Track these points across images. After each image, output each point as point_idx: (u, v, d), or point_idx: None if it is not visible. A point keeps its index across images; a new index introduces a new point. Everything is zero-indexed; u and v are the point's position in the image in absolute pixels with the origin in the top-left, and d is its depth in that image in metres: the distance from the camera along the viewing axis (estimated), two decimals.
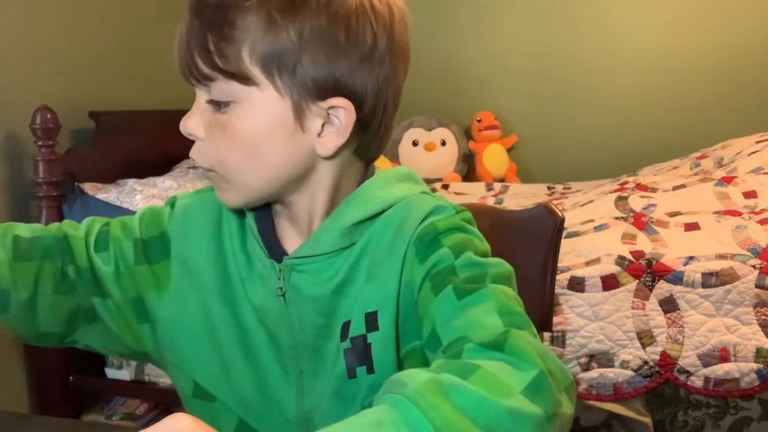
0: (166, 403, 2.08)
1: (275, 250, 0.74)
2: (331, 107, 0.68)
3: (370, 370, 0.69)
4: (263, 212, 0.76)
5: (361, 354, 0.69)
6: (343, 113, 0.68)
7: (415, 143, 3.23)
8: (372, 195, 0.73)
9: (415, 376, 0.48)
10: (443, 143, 3.26)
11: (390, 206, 0.72)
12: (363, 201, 0.72)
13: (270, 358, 0.74)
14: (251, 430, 0.75)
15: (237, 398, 0.75)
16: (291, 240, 0.75)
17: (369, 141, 0.72)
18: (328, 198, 0.73)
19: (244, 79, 0.66)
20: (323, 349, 0.72)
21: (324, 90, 0.67)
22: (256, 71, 0.66)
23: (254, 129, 0.68)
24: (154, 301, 0.77)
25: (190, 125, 0.69)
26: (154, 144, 2.42)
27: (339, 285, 0.71)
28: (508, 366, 0.51)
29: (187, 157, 2.44)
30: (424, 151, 3.21)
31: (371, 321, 0.69)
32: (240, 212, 0.77)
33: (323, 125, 0.69)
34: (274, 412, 0.74)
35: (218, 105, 0.68)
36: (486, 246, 0.70)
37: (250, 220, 0.75)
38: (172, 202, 0.81)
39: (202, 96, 0.69)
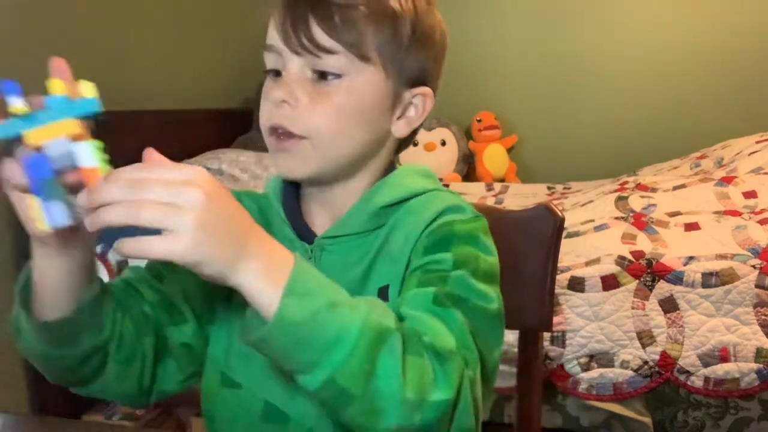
0: (166, 403, 2.08)
1: (304, 233, 0.78)
2: (416, 95, 0.77)
3: None
4: (290, 198, 0.79)
5: None
6: (422, 100, 0.77)
7: (415, 143, 3.21)
8: (401, 182, 0.78)
9: (389, 316, 0.58)
10: (443, 143, 3.26)
11: (415, 195, 0.76)
12: (393, 186, 0.77)
13: None
14: (277, 411, 0.76)
15: (260, 383, 0.77)
16: (319, 224, 0.79)
17: (413, 134, 0.81)
18: (371, 182, 0.78)
19: (363, 56, 0.71)
20: None
21: (416, 79, 0.76)
22: (372, 52, 0.72)
23: (360, 103, 0.73)
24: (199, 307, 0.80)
25: (286, 91, 0.71)
26: (154, 144, 2.39)
27: (366, 270, 0.74)
28: (434, 377, 0.58)
29: (186, 156, 2.46)
30: (424, 151, 3.21)
31: (383, 295, 0.73)
32: (259, 205, 0.81)
33: (404, 109, 0.77)
34: (295, 390, 0.76)
35: (324, 76, 0.71)
36: (490, 260, 0.72)
37: (276, 206, 0.79)
38: None
39: (302, 66, 0.72)
